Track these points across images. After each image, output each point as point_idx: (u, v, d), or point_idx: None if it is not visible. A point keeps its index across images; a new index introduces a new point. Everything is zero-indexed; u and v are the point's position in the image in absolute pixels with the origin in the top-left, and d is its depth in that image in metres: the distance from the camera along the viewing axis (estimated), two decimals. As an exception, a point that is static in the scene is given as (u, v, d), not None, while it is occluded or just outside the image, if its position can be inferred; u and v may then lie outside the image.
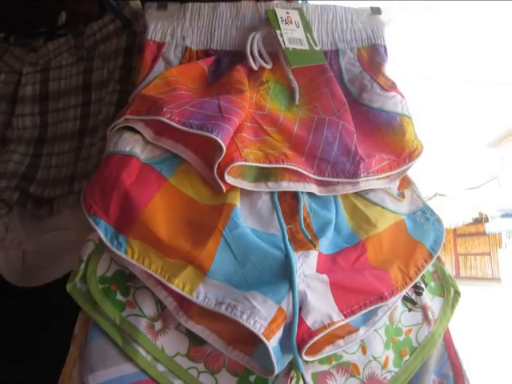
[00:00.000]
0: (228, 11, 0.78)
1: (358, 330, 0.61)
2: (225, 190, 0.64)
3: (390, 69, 0.78)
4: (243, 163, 0.63)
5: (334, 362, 0.62)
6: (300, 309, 0.57)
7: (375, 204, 0.70)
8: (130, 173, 0.63)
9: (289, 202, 0.67)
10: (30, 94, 0.93)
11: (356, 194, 0.70)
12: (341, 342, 0.60)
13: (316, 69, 0.76)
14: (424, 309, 0.68)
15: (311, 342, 0.56)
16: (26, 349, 0.93)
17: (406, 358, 0.65)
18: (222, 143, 0.60)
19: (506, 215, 10.77)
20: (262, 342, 0.54)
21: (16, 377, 0.92)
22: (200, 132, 0.61)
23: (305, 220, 0.65)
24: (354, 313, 0.59)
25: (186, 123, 0.62)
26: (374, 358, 0.63)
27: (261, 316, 0.55)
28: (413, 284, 0.65)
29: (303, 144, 0.67)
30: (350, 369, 0.62)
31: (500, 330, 5.30)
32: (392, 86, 0.76)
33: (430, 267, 0.69)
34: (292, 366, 0.58)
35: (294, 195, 0.67)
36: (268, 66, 0.74)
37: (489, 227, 11.42)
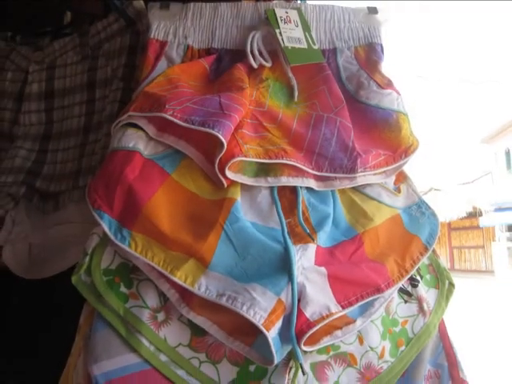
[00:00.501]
0: (229, 11, 0.79)
1: (355, 321, 0.62)
2: (226, 185, 0.65)
3: (387, 67, 0.79)
4: (243, 159, 0.64)
5: (331, 352, 0.63)
6: (299, 300, 0.58)
7: (372, 198, 0.71)
8: (133, 168, 0.64)
9: (288, 197, 0.68)
10: (36, 92, 0.94)
11: (353, 188, 0.71)
12: (338, 332, 0.61)
13: (314, 67, 0.77)
14: (419, 300, 0.69)
15: (310, 332, 0.57)
16: (26, 349, 0.94)
17: (402, 348, 0.66)
18: (223, 139, 0.61)
19: (500, 209, 10.89)
20: (261, 332, 0.55)
21: (16, 377, 0.93)
22: (202, 128, 0.62)
23: (303, 214, 0.66)
24: (351, 304, 0.60)
25: (187, 120, 0.63)
26: (371, 349, 0.64)
27: (261, 307, 0.56)
28: (408, 276, 0.66)
29: (302, 140, 0.68)
30: (347, 359, 0.63)
31: (493, 321, 5.38)
32: (388, 84, 0.77)
33: (425, 260, 0.70)
34: (291, 357, 0.59)
35: (293, 190, 0.68)
36: (268, 64, 0.75)
37: (482, 221, 11.53)
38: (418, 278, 0.71)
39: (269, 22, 0.76)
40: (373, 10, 0.83)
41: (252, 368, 0.61)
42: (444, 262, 0.75)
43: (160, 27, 0.77)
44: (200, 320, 0.60)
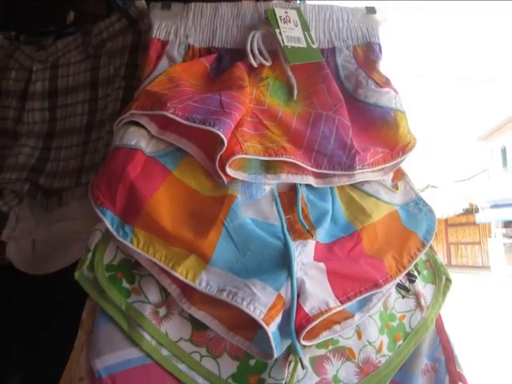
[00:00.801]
0: (229, 11, 0.80)
1: (353, 315, 0.62)
2: (226, 182, 0.65)
3: (385, 66, 0.79)
4: (244, 156, 0.64)
5: (330, 347, 0.64)
6: (298, 295, 0.59)
7: (370, 195, 0.72)
8: (135, 165, 0.65)
9: (287, 194, 0.68)
10: (40, 90, 0.94)
11: (352, 185, 0.72)
12: (337, 327, 0.61)
13: (313, 66, 0.77)
14: (417, 296, 0.70)
15: (309, 327, 0.58)
16: (28, 346, 0.94)
17: (400, 342, 0.67)
18: (224, 137, 0.62)
19: (496, 206, 10.99)
20: (261, 327, 0.56)
21: (16, 377, 0.93)
22: (202, 126, 0.63)
23: (303, 211, 0.67)
24: (349, 299, 0.61)
25: (189, 118, 0.64)
26: (369, 343, 0.65)
27: (260, 302, 0.56)
28: (406, 272, 0.66)
29: (301, 138, 0.69)
30: (345, 353, 0.64)
31: (489, 316, 5.44)
32: (386, 83, 0.77)
33: (422, 256, 0.70)
34: (290, 351, 0.60)
35: (293, 187, 0.69)
36: (267, 63, 0.76)
37: (479, 217, 11.61)
38: (416, 273, 0.71)
39: (269, 21, 0.77)
40: (371, 10, 0.84)
41: (252, 362, 0.61)
42: (441, 257, 0.75)
43: (161, 27, 0.78)
44: (201, 315, 0.61)
